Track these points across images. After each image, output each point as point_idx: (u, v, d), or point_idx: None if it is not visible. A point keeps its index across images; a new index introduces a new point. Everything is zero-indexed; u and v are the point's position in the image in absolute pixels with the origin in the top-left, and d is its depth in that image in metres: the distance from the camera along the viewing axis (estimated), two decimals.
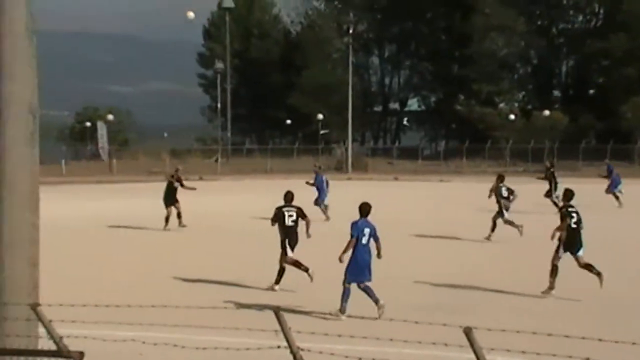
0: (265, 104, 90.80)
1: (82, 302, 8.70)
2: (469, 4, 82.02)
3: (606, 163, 40.39)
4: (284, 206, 16.02)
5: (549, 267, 15.25)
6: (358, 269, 13.26)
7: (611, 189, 34.77)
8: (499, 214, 23.68)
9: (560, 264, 15.18)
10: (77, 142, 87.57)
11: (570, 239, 15.19)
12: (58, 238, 21.96)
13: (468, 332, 5.51)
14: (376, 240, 13.53)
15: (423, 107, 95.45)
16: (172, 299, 13.94)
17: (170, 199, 26.71)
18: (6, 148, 7.48)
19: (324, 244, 17.75)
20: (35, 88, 7.56)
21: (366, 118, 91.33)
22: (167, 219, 26.32)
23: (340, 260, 13.28)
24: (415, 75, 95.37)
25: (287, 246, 15.82)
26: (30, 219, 7.62)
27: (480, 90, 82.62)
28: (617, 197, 33.99)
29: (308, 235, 16.09)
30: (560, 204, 17.20)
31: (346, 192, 42.64)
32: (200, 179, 51.86)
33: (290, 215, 15.95)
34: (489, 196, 24.57)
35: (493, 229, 23.56)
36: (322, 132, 79.18)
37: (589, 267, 15.19)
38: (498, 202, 23.81)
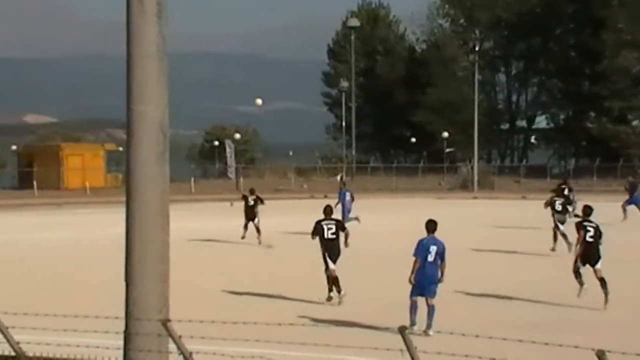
0: (390, 122, 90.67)
1: (211, 318, 8.78)
2: (599, 20, 79.98)
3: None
4: (324, 220, 16.53)
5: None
6: (423, 285, 13.54)
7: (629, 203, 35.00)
8: (556, 226, 24.49)
9: None
10: (206, 160, 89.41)
11: (587, 253, 15.82)
12: (187, 254, 22.39)
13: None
14: (442, 260, 13.67)
15: (552, 125, 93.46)
16: (297, 316, 13.96)
17: (247, 215, 28.46)
18: (138, 166, 7.62)
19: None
20: (166, 108, 7.68)
21: (492, 136, 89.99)
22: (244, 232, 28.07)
23: (410, 282, 13.58)
24: (543, 93, 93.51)
25: (328, 259, 16.24)
26: (160, 236, 7.73)
27: (612, 108, 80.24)
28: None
29: (346, 245, 16.75)
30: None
31: (472, 211, 42.06)
32: (325, 197, 52.03)
33: (330, 229, 16.44)
34: (545, 207, 25.40)
35: (555, 238, 24.33)
36: (447, 150, 78.43)
37: (602, 281, 15.70)
38: (552, 215, 24.76)
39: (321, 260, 16.13)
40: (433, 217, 14.24)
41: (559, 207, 24.65)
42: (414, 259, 13.59)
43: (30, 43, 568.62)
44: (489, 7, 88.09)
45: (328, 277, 16.26)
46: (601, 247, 15.86)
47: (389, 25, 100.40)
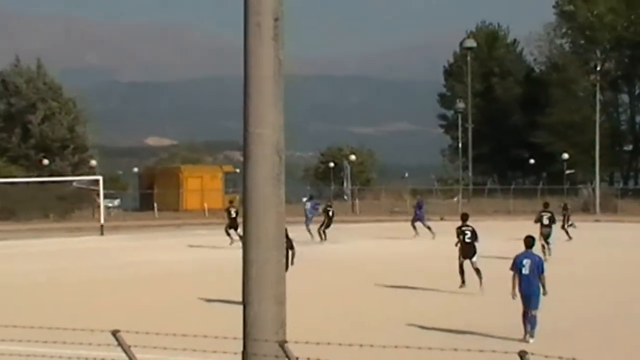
0: (508, 143, 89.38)
1: (327, 340, 8.77)
2: None
3: None
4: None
5: None
6: (524, 297, 14.59)
7: None
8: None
9: None
10: (321, 182, 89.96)
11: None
12: (303, 275, 22.50)
13: None
14: (540, 272, 14.62)
15: None
16: (408, 340, 13.80)
17: (230, 225, 34.99)
18: (254, 188, 7.70)
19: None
20: (282, 130, 7.75)
21: (615, 157, 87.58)
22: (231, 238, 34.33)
23: (513, 296, 14.77)
24: None
25: (466, 257, 21.18)
26: (276, 257, 7.78)
27: None
28: None
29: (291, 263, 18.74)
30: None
31: (594, 235, 40.99)
32: (441, 219, 51.60)
33: (467, 234, 21.31)
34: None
35: None
36: (567, 171, 76.71)
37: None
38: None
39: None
40: (535, 239, 15.74)
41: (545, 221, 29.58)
42: (511, 273, 14.85)
43: (151, 67, 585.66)
44: (610, 27, 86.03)
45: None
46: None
47: (507, 46, 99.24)
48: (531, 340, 14.35)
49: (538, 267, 14.62)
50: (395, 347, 8.45)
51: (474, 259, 21.12)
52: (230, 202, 37.64)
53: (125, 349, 7.93)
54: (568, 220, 38.88)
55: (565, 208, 40.18)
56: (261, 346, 7.45)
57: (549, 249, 28.56)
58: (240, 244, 30.45)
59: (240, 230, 32.16)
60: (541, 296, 14.65)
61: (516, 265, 14.75)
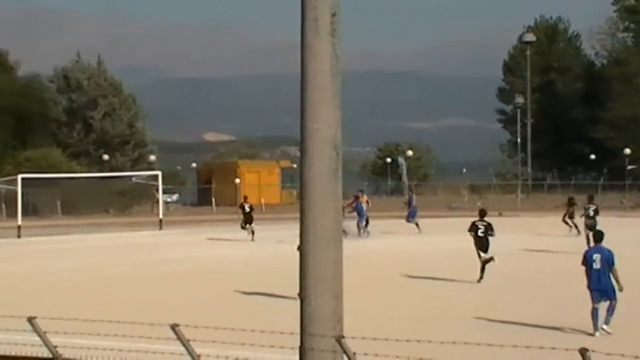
0: (568, 138, 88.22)
1: (382, 335, 8.74)
2: None
3: None
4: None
5: None
6: (598, 292, 14.68)
7: None
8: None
9: None
10: (378, 177, 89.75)
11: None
12: (358, 271, 22.48)
13: None
14: (611, 265, 14.62)
15: None
16: (464, 335, 13.70)
17: (246, 220, 36.96)
18: (310, 184, 7.71)
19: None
20: (339, 125, 7.74)
21: None
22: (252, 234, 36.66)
23: (588, 288, 14.80)
24: None
25: (479, 250, 22.11)
26: (333, 254, 7.78)
27: None
28: None
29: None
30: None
31: None
32: (500, 215, 51.13)
33: (480, 228, 22.32)
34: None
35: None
36: (629, 167, 75.43)
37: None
38: None
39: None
40: (604, 233, 15.51)
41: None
42: (583, 268, 14.91)
43: (209, 63, 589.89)
44: None
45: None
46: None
47: (568, 40, 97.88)
48: (606, 327, 14.61)
49: (608, 261, 14.60)
50: (454, 343, 8.40)
51: (486, 253, 22.21)
52: (245, 197, 39.78)
53: (184, 343, 8.01)
54: (573, 214, 37.56)
55: (570, 203, 38.62)
56: (318, 341, 7.46)
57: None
58: (249, 238, 32.50)
59: (254, 224, 36.51)
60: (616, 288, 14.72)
61: (587, 261, 14.75)
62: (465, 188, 76.46)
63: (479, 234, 22.31)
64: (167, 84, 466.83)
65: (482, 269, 22.04)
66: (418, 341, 8.44)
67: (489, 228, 22.12)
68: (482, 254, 22.17)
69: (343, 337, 7.28)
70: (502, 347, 8.50)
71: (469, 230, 22.61)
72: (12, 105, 68.52)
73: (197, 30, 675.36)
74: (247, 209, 36.91)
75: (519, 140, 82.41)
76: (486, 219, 22.80)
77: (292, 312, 7.91)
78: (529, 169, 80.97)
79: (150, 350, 10.16)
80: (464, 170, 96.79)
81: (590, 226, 29.60)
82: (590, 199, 32.06)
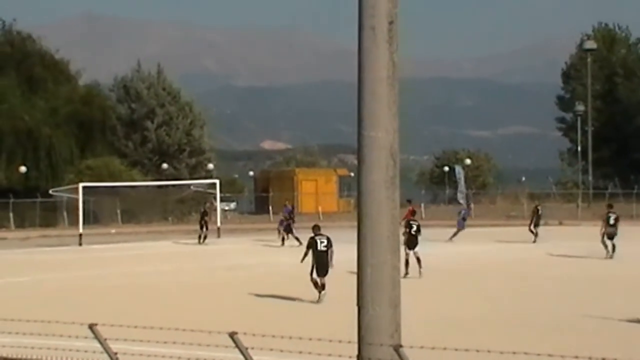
0: (630, 147, 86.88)
1: (442, 345, 8.67)
2: None
3: None
4: (316, 235, 20.84)
5: None
6: None
7: None
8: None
9: None
10: (436, 186, 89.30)
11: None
12: (417, 280, 22.39)
13: None
14: None
15: None
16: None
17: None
18: (368, 191, 7.69)
19: None
20: (396, 133, 7.71)
21: None
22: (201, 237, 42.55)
23: None
24: None
25: (314, 269, 20.36)
26: (391, 261, 7.75)
27: None
28: None
29: (331, 265, 20.43)
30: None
31: None
32: (560, 224, 50.56)
33: (322, 242, 20.63)
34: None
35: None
36: None
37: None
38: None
39: None
40: None
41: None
42: None
43: (266, 71, 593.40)
44: None
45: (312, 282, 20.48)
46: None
47: (629, 47, 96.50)
48: None
49: None
50: (514, 353, 8.30)
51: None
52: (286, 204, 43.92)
53: (243, 351, 8.03)
54: (538, 223, 39.27)
55: (535, 211, 40.03)
56: (376, 350, 7.43)
57: (612, 248, 29.94)
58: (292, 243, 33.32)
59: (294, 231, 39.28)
60: None
61: None
62: (525, 196, 75.66)
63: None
64: (225, 92, 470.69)
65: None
66: (477, 351, 8.36)
67: (329, 241, 21.04)
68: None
69: (401, 345, 7.25)
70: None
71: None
72: (74, 114, 69.68)
73: (255, 38, 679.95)
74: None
75: (579, 148, 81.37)
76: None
77: (351, 320, 7.89)
78: (590, 177, 79.87)
79: (209, 358, 10.22)
80: (523, 178, 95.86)
81: (611, 235, 29.93)
82: (610, 207, 32.18)
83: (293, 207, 45.35)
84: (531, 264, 29.67)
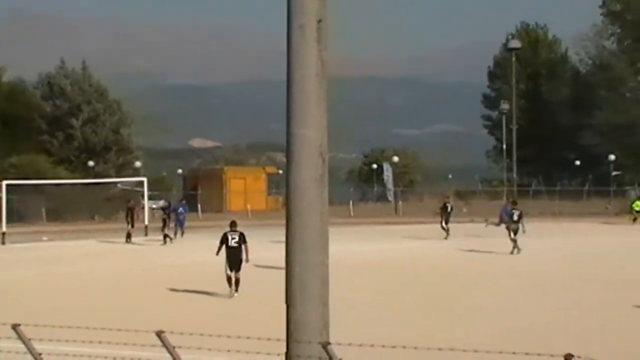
0: (553, 145, 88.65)
1: (370, 342, 8.73)
2: None
3: None
4: (230, 231, 20.95)
5: None
6: None
7: None
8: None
9: None
10: (365, 183, 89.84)
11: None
12: (342, 277, 22.50)
13: None
14: None
15: None
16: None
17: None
18: (297, 189, 7.70)
19: None
20: (325, 131, 7.73)
21: None
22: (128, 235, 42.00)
23: None
24: None
25: (227, 264, 20.64)
26: (320, 258, 7.77)
27: None
28: None
29: (247, 260, 20.64)
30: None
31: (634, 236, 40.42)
32: (486, 220, 51.16)
33: (234, 238, 20.77)
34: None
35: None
36: (614, 173, 75.87)
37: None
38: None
39: None
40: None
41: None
42: None
43: (195, 70, 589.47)
44: None
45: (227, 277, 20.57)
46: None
47: (550, 46, 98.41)
48: None
49: None
50: (439, 349, 8.40)
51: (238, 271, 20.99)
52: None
53: (170, 350, 7.98)
54: (447, 220, 39.88)
55: (444, 208, 40.57)
56: (304, 348, 7.44)
57: (517, 246, 31.02)
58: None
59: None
60: None
61: None
62: (452, 194, 76.63)
63: (232, 244, 21.03)
64: (154, 90, 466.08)
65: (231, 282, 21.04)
66: (404, 347, 8.44)
67: (242, 237, 20.78)
68: (229, 272, 20.97)
69: (329, 343, 7.26)
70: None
71: (220, 242, 21.26)
72: None
73: (185, 37, 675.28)
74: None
75: (504, 146, 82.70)
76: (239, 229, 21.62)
77: (280, 319, 7.90)
78: (515, 175, 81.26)
79: (136, 357, 10.12)
80: (450, 176, 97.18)
81: (514, 230, 31.01)
82: (514, 204, 33.37)
83: (169, 204, 44.78)
84: (435, 260, 30.20)
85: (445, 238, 38.63)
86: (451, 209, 41.18)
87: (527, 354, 6.99)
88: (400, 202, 73.13)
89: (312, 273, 7.67)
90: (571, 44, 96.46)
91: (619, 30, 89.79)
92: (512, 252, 31.17)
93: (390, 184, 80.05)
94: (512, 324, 16.88)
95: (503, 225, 38.89)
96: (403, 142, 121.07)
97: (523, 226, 31.58)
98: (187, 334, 8.77)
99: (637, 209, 56.71)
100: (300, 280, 7.65)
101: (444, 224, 39.56)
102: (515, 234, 31.22)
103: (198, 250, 37.45)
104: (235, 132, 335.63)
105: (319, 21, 7.66)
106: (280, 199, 70.08)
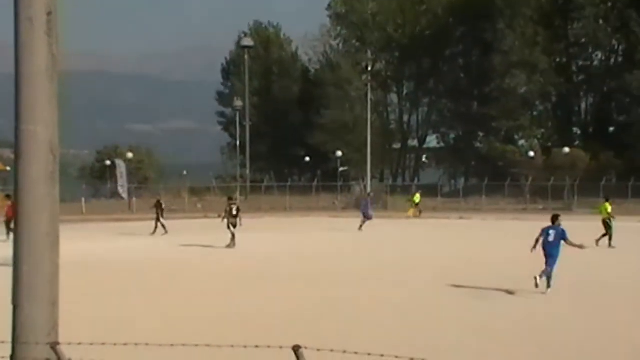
0: (285, 142, 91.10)
1: (101, 341, 8.64)
2: (487, 42, 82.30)
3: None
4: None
5: None
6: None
7: None
8: None
9: None
10: (97, 180, 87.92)
11: None
12: (77, 277, 21.98)
13: None
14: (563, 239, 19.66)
15: (442, 145, 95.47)
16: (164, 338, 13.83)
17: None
18: (26, 187, 7.49)
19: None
20: (56, 127, 7.57)
21: (385, 155, 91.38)
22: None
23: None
24: (434, 113, 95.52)
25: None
26: (50, 257, 7.60)
27: (500, 128, 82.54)
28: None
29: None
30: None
31: (366, 231, 42.47)
32: (219, 216, 51.75)
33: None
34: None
35: None
36: (341, 169, 79.23)
37: None
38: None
39: None
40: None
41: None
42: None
43: None
44: (380, 28, 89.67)
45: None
46: None
47: (281, 46, 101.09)
48: None
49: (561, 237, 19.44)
50: (219, 346, 8.47)
51: None
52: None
53: None
54: (162, 215, 41.18)
55: (158, 204, 41.66)
56: (32, 349, 7.25)
57: (232, 237, 31.91)
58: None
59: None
60: None
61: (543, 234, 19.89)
62: (186, 190, 76.75)
63: None
64: None
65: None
66: (147, 344, 8.43)
67: None
68: None
69: (58, 343, 7.11)
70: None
71: None
72: None
73: None
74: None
75: (238, 142, 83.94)
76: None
77: (7, 321, 7.65)
78: (248, 171, 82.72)
79: None
80: (185, 172, 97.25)
81: (234, 224, 32.22)
82: (230, 199, 34.73)
83: None
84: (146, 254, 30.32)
85: (164, 233, 39.92)
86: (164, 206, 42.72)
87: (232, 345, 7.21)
88: (134, 199, 72.28)
89: (41, 272, 7.50)
90: (301, 44, 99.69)
91: (344, 32, 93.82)
92: (228, 246, 31.92)
93: (124, 181, 78.84)
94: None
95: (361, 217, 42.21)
96: (136, 138, 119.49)
97: (240, 220, 32.51)
98: None
99: (418, 201, 59.80)
100: (29, 280, 7.46)
101: (161, 220, 41.05)
102: (235, 226, 32.08)
103: None
104: None
105: (49, 13, 7.49)
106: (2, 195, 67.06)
